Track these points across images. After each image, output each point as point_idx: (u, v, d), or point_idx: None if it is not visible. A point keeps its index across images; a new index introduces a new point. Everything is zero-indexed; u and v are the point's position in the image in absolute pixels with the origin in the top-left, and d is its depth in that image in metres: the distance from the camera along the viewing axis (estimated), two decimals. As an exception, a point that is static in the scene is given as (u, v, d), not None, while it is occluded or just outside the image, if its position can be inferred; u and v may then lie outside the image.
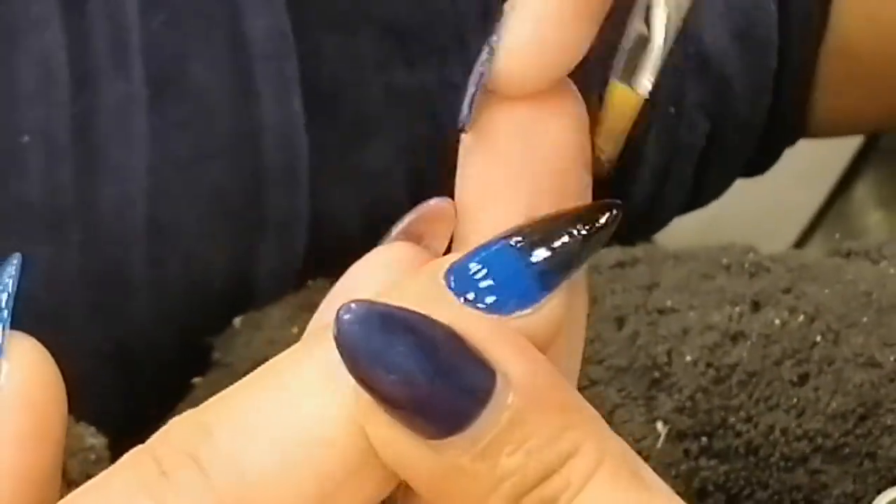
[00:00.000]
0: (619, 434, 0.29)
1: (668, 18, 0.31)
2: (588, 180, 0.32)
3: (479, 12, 0.57)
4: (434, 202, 0.32)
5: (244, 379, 0.30)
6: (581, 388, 0.48)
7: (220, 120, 0.54)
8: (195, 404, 0.52)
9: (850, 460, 0.47)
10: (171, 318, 0.54)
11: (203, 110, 0.53)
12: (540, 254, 0.29)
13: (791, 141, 0.64)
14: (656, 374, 0.48)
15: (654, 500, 0.29)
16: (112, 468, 0.29)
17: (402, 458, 0.28)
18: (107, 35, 0.52)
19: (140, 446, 0.29)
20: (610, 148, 0.32)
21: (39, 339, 0.31)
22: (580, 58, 0.30)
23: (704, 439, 0.47)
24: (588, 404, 0.29)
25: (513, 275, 0.29)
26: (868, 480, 0.47)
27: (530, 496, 0.28)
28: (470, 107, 0.30)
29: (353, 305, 0.27)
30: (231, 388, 0.30)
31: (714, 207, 0.82)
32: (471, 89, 0.30)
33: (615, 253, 0.52)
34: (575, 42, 0.30)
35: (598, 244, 0.30)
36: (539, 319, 0.29)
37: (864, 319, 0.49)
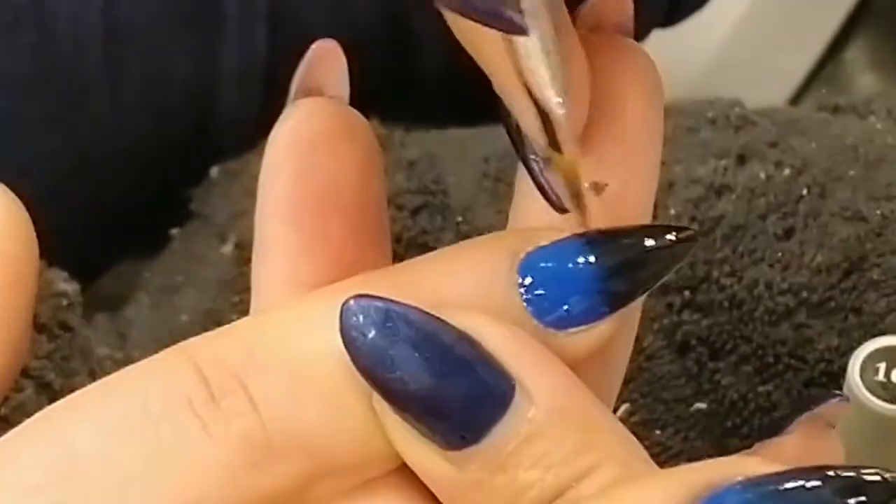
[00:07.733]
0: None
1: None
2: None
3: None
4: (316, 45, 0.31)
5: (291, 311, 0.29)
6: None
7: None
8: (174, 256, 0.52)
9: (834, 315, 0.46)
10: (132, 128, 0.53)
11: None
12: (613, 275, 0.28)
13: None
14: (640, 228, 0.47)
15: None
16: (146, 367, 0.28)
17: (420, 466, 0.28)
18: None
19: (176, 349, 0.28)
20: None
21: None
22: None
23: (688, 293, 0.46)
24: (616, 421, 0.28)
25: (583, 290, 0.28)
26: (853, 335, 0.46)
27: None
28: None
29: (354, 302, 0.27)
30: (275, 314, 0.29)
31: (703, 70, 0.81)
32: None
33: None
34: None
35: (668, 271, 0.29)
36: (589, 337, 0.29)
37: (851, 173, 0.48)
